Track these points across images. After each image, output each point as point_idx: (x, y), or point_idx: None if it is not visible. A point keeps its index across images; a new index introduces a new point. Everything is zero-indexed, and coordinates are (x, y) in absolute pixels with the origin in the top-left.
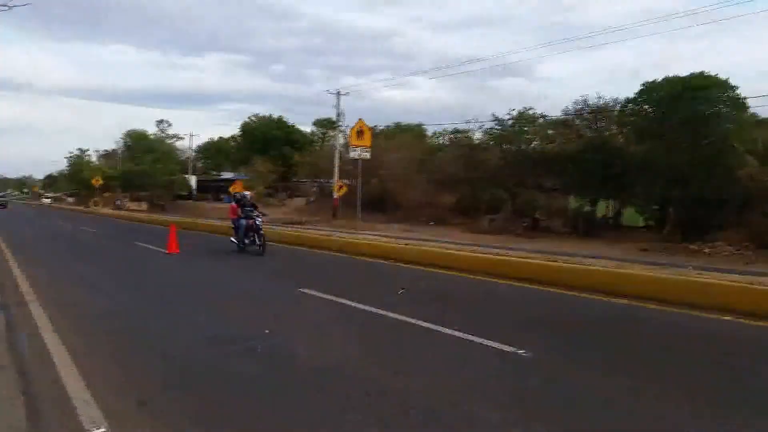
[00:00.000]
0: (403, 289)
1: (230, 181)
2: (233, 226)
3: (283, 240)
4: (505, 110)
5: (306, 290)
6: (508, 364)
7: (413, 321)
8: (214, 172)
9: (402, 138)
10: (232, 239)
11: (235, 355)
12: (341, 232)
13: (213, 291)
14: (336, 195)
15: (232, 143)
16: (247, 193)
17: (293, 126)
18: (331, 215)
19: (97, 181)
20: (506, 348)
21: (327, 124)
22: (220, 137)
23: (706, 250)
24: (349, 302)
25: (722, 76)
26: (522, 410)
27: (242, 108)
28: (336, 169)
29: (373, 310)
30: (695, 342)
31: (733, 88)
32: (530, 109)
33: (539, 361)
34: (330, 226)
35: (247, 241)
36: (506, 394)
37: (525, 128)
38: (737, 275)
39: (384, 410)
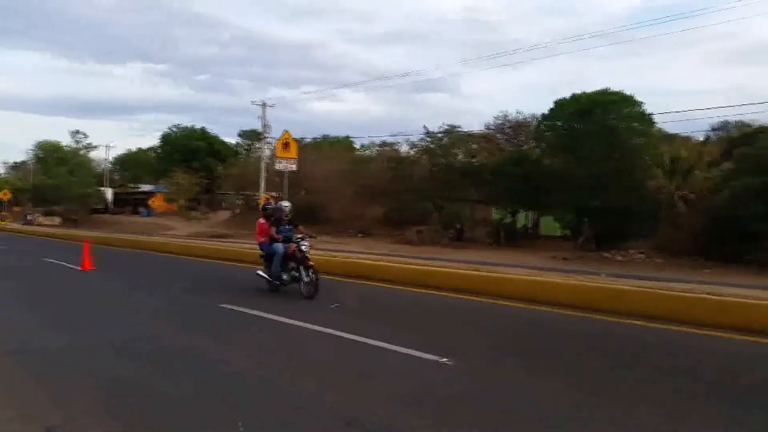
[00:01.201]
0: (336, 304)
1: (149, 194)
2: (262, 253)
3: (201, 255)
4: (430, 124)
5: (227, 305)
6: (430, 373)
7: (338, 333)
8: (132, 185)
9: (330, 150)
10: (261, 273)
11: (127, 355)
12: None
13: (125, 306)
14: None
15: (152, 154)
16: (285, 204)
17: (217, 137)
18: None
19: (5, 195)
20: (429, 357)
21: (253, 136)
22: (139, 148)
23: (619, 258)
24: (269, 315)
25: (627, 92)
26: (441, 416)
27: (163, 118)
28: (262, 182)
29: (297, 323)
30: (609, 346)
31: (639, 103)
32: (457, 127)
33: (461, 368)
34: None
35: (285, 276)
36: (427, 402)
37: (452, 142)
38: (649, 282)
39: (300, 420)
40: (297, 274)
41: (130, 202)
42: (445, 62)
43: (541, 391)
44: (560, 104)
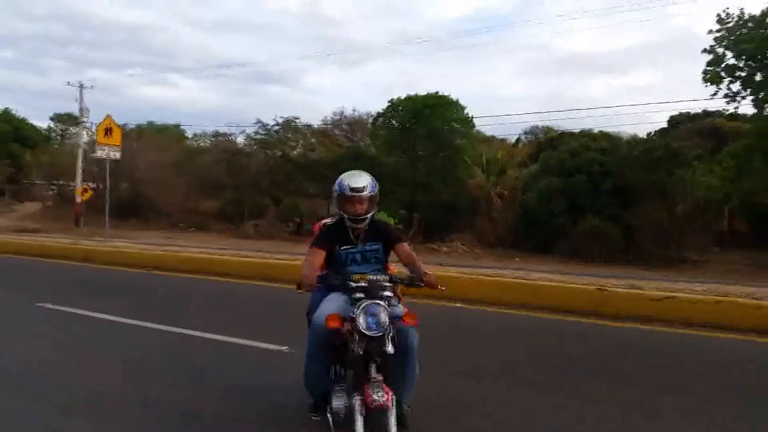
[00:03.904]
0: (192, 307)
1: None
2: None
3: (10, 250)
4: (269, 116)
5: (46, 305)
6: (272, 361)
7: (173, 329)
8: None
9: (158, 139)
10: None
11: None
12: (87, 240)
13: None
14: (79, 199)
15: None
16: (361, 181)
17: (24, 120)
18: (73, 222)
19: None
20: (270, 347)
21: (68, 120)
22: None
23: (444, 249)
24: (90, 313)
25: (454, 96)
26: (285, 403)
27: None
28: (79, 171)
29: (122, 320)
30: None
31: (463, 107)
32: (296, 119)
33: (300, 355)
34: (73, 234)
35: (337, 402)
36: (275, 389)
37: (289, 135)
38: (466, 268)
39: (134, 417)
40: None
41: None
42: (286, 55)
43: None
44: (395, 104)
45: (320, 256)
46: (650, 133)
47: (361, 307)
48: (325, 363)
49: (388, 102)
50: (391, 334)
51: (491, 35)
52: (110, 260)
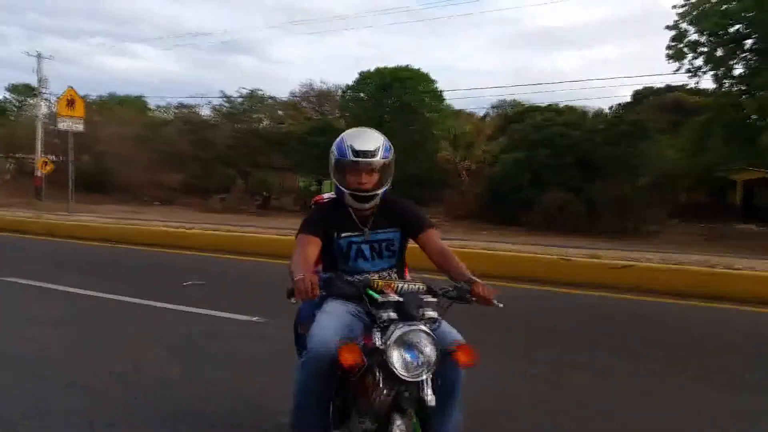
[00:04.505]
0: (192, 281)
1: None
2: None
3: None
4: (236, 87)
5: (12, 279)
6: (246, 331)
7: (144, 302)
8: None
9: (121, 111)
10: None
11: None
12: (50, 215)
13: None
14: (40, 173)
15: None
16: (373, 142)
17: None
18: (34, 196)
19: None
20: (243, 317)
21: (26, 91)
22: None
23: None
24: (58, 287)
25: (425, 69)
26: (265, 370)
27: None
28: (39, 143)
29: (95, 294)
30: None
31: (433, 81)
32: (260, 90)
33: (273, 325)
34: (35, 208)
35: None
36: (255, 359)
37: (255, 107)
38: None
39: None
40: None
41: None
42: (254, 25)
43: None
44: (365, 77)
45: (315, 246)
46: (612, 107)
47: (394, 335)
48: (325, 402)
49: (358, 74)
50: (432, 377)
51: (460, 8)
52: (75, 234)
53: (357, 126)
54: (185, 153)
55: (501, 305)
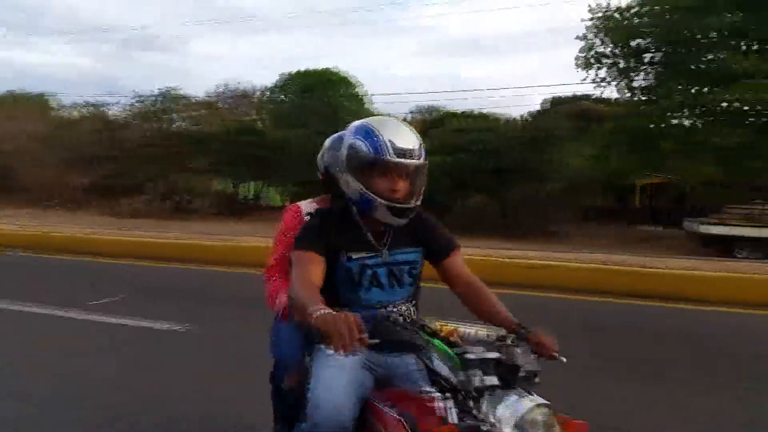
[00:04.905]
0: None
1: None
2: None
3: None
4: (151, 85)
5: None
6: (167, 340)
7: (56, 313)
8: None
9: (21, 108)
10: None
11: None
12: None
13: None
14: None
15: None
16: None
17: None
18: None
19: None
20: (164, 326)
21: None
22: None
23: None
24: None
25: (353, 73)
26: (187, 379)
27: None
28: None
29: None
30: None
31: (355, 85)
32: (174, 89)
33: (196, 334)
34: None
35: None
36: (171, 368)
37: (170, 107)
38: None
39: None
40: None
41: None
42: (172, 22)
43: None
44: (286, 79)
45: (320, 267)
46: (523, 114)
47: (507, 416)
48: None
49: (279, 75)
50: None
51: (387, 12)
52: None
53: (274, 125)
54: (94, 154)
55: (564, 359)
